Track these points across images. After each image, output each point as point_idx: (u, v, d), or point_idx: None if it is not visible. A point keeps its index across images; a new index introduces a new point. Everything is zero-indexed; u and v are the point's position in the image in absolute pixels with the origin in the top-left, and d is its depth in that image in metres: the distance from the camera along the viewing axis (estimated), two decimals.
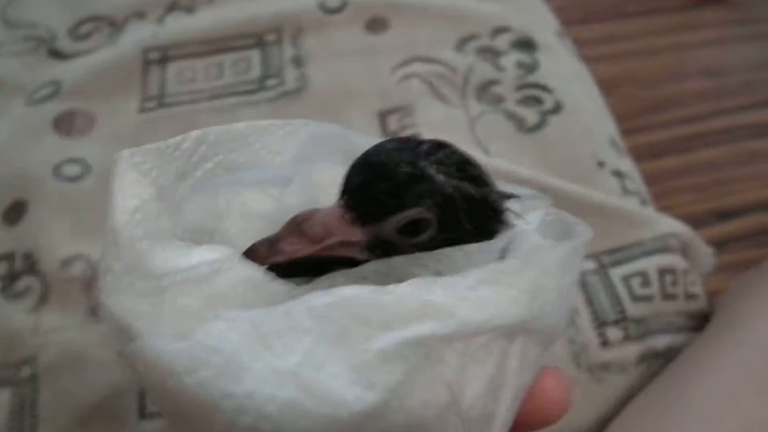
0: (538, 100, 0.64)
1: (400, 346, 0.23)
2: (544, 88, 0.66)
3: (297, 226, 0.28)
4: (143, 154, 0.27)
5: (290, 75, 0.62)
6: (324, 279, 0.28)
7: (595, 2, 1.39)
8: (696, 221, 1.10)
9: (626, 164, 0.70)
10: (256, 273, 0.26)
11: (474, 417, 0.24)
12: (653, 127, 1.14)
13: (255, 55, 0.63)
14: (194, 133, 0.29)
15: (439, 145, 0.29)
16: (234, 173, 0.30)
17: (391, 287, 0.24)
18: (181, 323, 0.23)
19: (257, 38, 0.64)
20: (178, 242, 0.25)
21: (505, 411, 0.25)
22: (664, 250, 0.60)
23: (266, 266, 0.27)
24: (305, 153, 0.32)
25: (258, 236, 0.28)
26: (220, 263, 0.25)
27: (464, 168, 0.29)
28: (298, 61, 0.63)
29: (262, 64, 0.63)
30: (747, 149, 1.15)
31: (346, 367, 0.22)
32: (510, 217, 0.30)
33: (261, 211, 0.30)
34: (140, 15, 0.66)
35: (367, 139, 0.32)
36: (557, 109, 0.65)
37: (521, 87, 0.66)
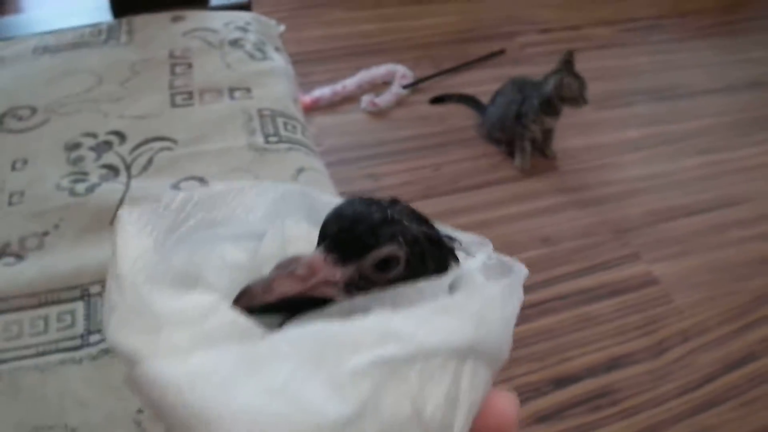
0: None
1: (368, 367, 0.26)
2: None
3: (285, 268, 0.31)
4: (139, 213, 0.30)
5: None
6: (294, 321, 0.31)
7: (433, 178, 1.49)
8: (533, 391, 1.16)
9: None
10: (239, 317, 0.28)
11: (435, 428, 0.27)
12: None
13: (79, 308, 0.63)
14: (181, 195, 0.32)
15: (394, 201, 0.33)
16: (212, 228, 0.33)
17: (357, 319, 0.27)
18: (174, 356, 0.26)
19: (82, 290, 0.65)
20: (172, 288, 0.28)
21: (461, 423, 0.28)
22: None
23: (257, 305, 0.31)
24: (274, 210, 0.36)
25: (233, 285, 0.31)
26: (208, 308, 0.28)
27: (418, 217, 0.33)
28: None
29: (86, 318, 0.62)
30: (580, 315, 1.22)
31: (324, 385, 0.25)
32: (458, 256, 0.35)
33: (235, 262, 0.34)
34: None
35: (327, 198, 0.37)
36: None
37: None
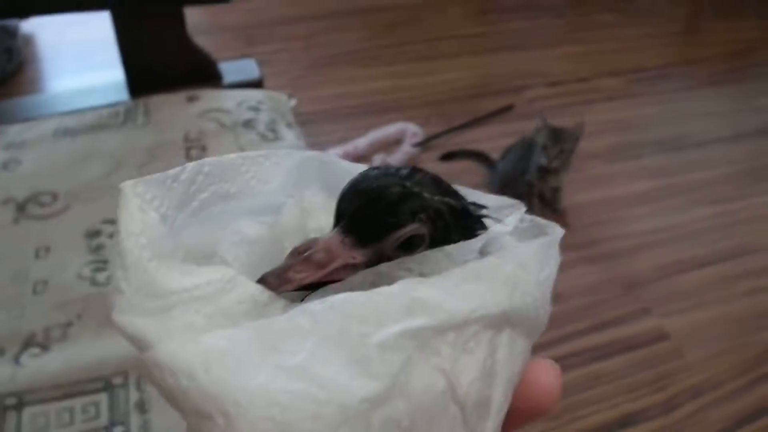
0: None
1: (396, 339, 0.24)
2: None
3: (300, 255, 0.29)
4: (145, 185, 0.28)
5: (135, 423, 0.64)
6: (317, 293, 0.29)
7: None
8: None
9: None
10: (259, 291, 0.27)
11: (471, 402, 0.25)
12: None
13: (103, 399, 0.66)
14: (191, 165, 0.30)
15: (414, 170, 0.31)
16: (227, 202, 0.31)
17: (381, 289, 0.25)
18: (188, 337, 0.24)
19: (105, 381, 0.67)
20: (183, 264, 0.27)
21: (500, 397, 0.27)
22: None
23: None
24: (291, 180, 0.34)
25: (251, 261, 0.30)
26: (224, 282, 0.26)
27: (440, 185, 0.31)
28: (141, 407, 0.66)
29: (110, 409, 0.65)
30: (592, 372, 1.23)
31: (349, 361, 0.23)
32: (487, 223, 0.32)
33: (253, 236, 0.32)
34: None
35: (347, 165, 0.34)
36: None
37: None
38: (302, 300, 0.29)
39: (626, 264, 1.44)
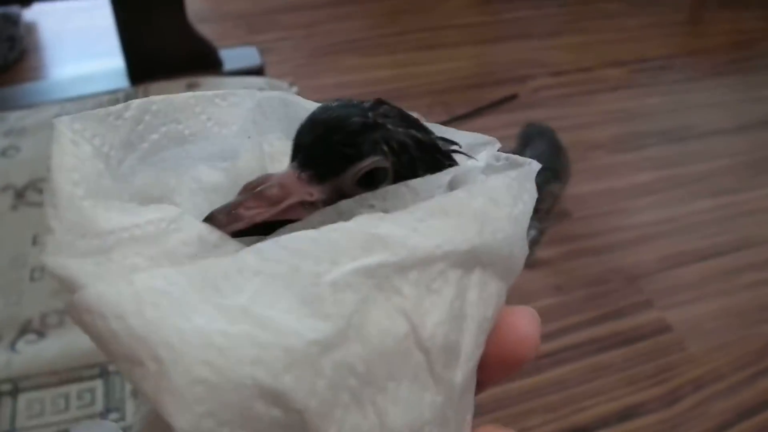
0: None
1: (350, 277, 0.22)
2: None
3: (253, 190, 0.27)
4: (83, 121, 0.26)
5: (130, 409, 0.64)
6: (273, 234, 0.26)
7: None
8: None
9: None
10: (207, 231, 0.25)
11: (437, 347, 0.23)
12: None
13: (99, 386, 0.66)
14: (136, 102, 0.28)
15: (379, 101, 0.29)
16: (182, 146, 0.29)
17: (337, 225, 0.24)
18: (121, 278, 0.22)
19: (101, 368, 0.67)
20: (123, 202, 0.25)
21: (470, 343, 0.25)
22: None
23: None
24: (251, 123, 0.31)
25: (211, 209, 0.27)
26: (168, 222, 0.24)
27: (407, 119, 0.29)
28: (137, 394, 0.65)
29: (105, 396, 0.66)
30: (593, 364, 1.22)
31: (298, 302, 0.22)
32: (459, 160, 0.30)
33: (211, 184, 0.29)
34: None
35: (312, 104, 0.31)
36: None
37: None
38: (258, 241, 0.26)
39: (628, 255, 1.44)
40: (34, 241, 0.81)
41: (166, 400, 0.20)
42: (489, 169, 0.30)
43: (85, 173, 0.24)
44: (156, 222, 0.24)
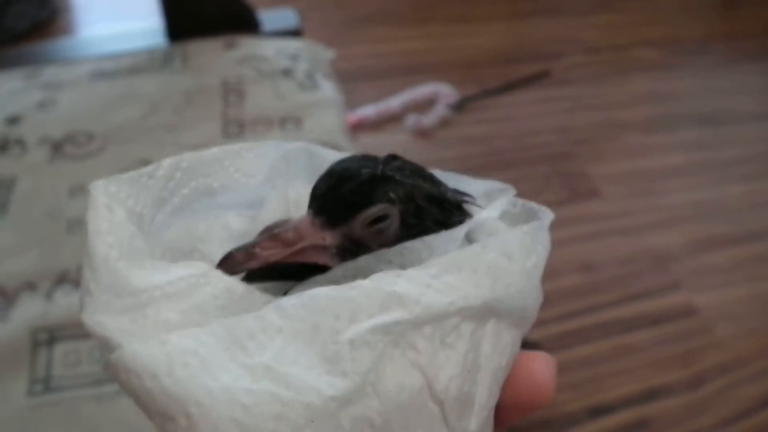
0: None
1: (367, 335, 0.24)
2: None
3: (270, 232, 0.29)
4: (117, 183, 0.27)
5: None
6: (299, 287, 0.28)
7: None
8: (570, 420, 1.17)
9: None
10: (235, 284, 0.26)
11: (451, 399, 0.25)
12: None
13: None
14: (167, 161, 0.29)
15: (393, 157, 0.30)
16: (211, 197, 0.31)
17: (356, 283, 0.25)
18: (155, 338, 0.23)
19: None
20: (155, 261, 0.26)
21: (484, 393, 0.26)
22: None
23: (244, 273, 0.29)
24: (277, 173, 0.33)
25: None
26: (198, 277, 0.26)
27: (419, 172, 0.30)
28: None
29: None
30: (618, 344, 1.21)
31: (318, 359, 0.23)
32: (470, 209, 0.31)
33: (240, 231, 0.31)
34: (31, 286, 0.71)
35: (334, 154, 0.33)
36: None
37: None
38: (285, 293, 0.28)
39: (658, 237, 1.42)
40: (71, 194, 0.81)
41: None
42: (507, 217, 0.32)
43: (119, 236, 0.26)
44: (186, 278, 0.26)
